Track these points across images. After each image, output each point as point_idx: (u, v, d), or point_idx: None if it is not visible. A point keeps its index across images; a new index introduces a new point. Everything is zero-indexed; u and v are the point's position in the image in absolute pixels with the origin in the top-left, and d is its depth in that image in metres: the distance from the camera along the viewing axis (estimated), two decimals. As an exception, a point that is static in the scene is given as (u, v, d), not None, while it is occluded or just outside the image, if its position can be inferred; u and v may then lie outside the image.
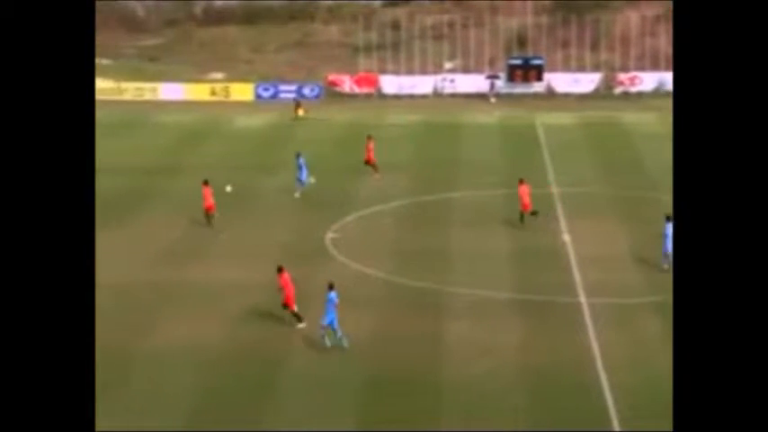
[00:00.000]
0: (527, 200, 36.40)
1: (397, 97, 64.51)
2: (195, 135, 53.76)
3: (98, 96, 63.84)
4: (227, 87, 65.23)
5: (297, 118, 58.55)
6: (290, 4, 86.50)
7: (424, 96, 64.51)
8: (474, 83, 65.05)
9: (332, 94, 64.64)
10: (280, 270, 27.68)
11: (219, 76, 69.25)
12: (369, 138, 44.88)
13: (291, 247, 34.51)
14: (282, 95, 64.70)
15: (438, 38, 68.01)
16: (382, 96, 64.54)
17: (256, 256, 33.43)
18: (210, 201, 36.86)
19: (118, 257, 33.18)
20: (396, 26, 68.60)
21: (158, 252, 33.93)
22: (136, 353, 25.80)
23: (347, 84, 65.22)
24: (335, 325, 25.88)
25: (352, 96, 64.59)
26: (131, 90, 64.60)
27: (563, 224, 36.97)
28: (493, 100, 63.88)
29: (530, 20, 68.00)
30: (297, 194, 40.44)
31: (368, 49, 66.36)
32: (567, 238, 35.36)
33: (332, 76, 65.70)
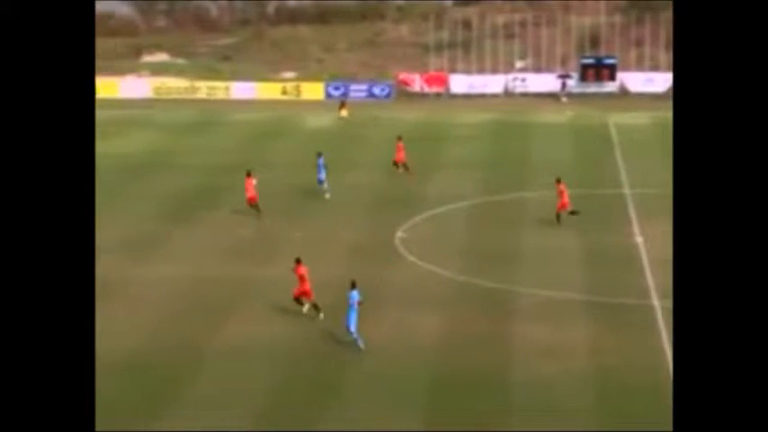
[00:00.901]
0: (565, 199, 36.46)
1: (467, 97, 64.38)
2: (266, 134, 54.36)
3: (173, 95, 65.44)
4: (298, 86, 65.80)
5: (340, 118, 58.69)
6: (361, 4, 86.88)
7: (494, 96, 64.28)
8: (545, 82, 64.62)
9: (402, 93, 64.78)
10: (297, 261, 28.12)
11: (291, 75, 69.86)
12: (399, 138, 44.72)
13: (361, 247, 34.74)
14: (353, 95, 65.02)
15: (509, 37, 67.68)
16: (452, 96, 64.48)
17: (326, 254, 33.73)
18: (252, 192, 37.51)
19: (192, 254, 33.78)
20: (467, 25, 68.43)
21: (231, 249, 34.43)
22: (207, 349, 26.24)
23: (417, 83, 65.28)
24: (348, 322, 25.85)
25: (423, 96, 64.64)
26: (205, 89, 65.57)
27: (635, 226, 36.57)
28: (564, 99, 63.37)
29: (603, 18, 67.28)
30: (327, 195, 40.15)
31: (438, 48, 66.34)
32: (639, 239, 34.98)
33: (402, 76, 65.84)
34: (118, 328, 27.50)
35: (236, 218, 38.11)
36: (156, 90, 65.91)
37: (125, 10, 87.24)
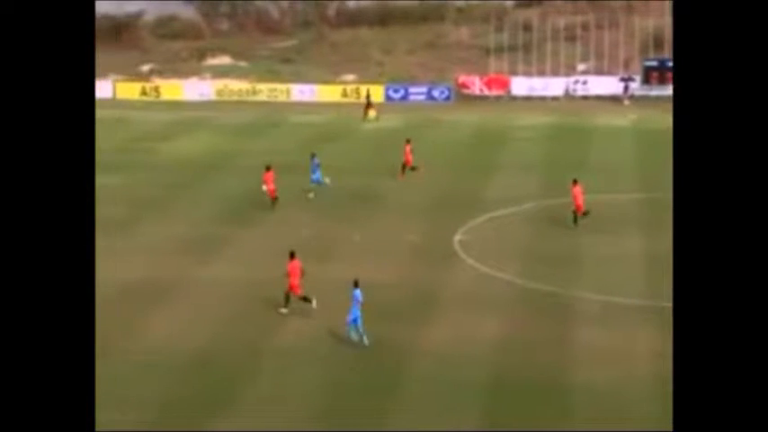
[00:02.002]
0: (580, 201, 36.27)
1: (527, 99, 64.04)
2: (326, 136, 54.60)
3: (235, 98, 66.10)
4: (358, 89, 66.00)
5: (366, 120, 58.52)
6: (422, 6, 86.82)
7: (555, 98, 63.82)
8: (607, 85, 63.99)
9: (462, 95, 64.66)
10: (292, 255, 28.36)
11: (351, 77, 70.13)
12: (407, 141, 44.56)
13: (420, 248, 34.72)
14: (412, 97, 65.08)
15: (571, 39, 67.16)
16: (512, 98, 64.16)
17: (386, 256, 33.79)
18: (272, 185, 38.60)
19: (251, 255, 34.06)
20: (528, 27, 68.05)
21: (289, 250, 34.55)
22: (265, 349, 26.43)
23: (477, 85, 65.10)
24: (359, 322, 26.07)
25: (483, 98, 64.44)
26: (266, 91, 66.17)
27: (699, 230, 35.96)
28: (627, 102, 62.66)
29: (667, 20, 66.40)
30: (311, 195, 40.64)
31: (499, 50, 66.06)
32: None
33: (462, 78, 65.71)
34: (180, 328, 27.84)
35: (295, 219, 38.34)
36: (219, 92, 66.66)
37: (188, 13, 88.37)
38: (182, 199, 41.39)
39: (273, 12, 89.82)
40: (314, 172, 40.84)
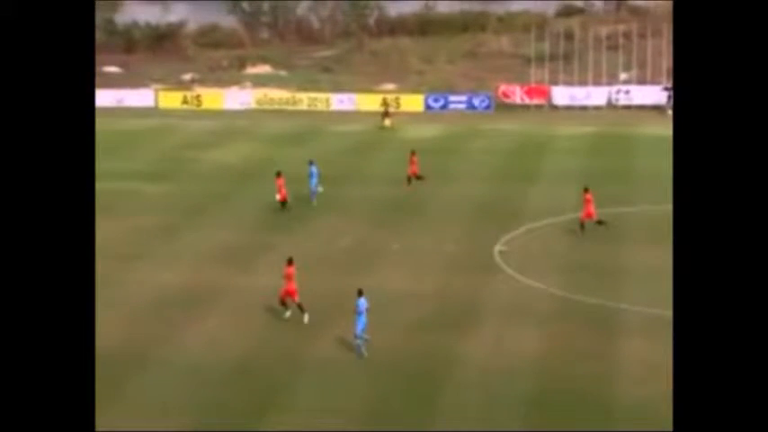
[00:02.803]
0: (590, 209, 36.36)
1: (568, 108, 63.68)
2: (365, 145, 54.68)
3: (275, 106, 66.41)
4: (397, 98, 66.00)
5: (382, 128, 58.52)
6: (462, 15, 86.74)
7: (597, 108, 63.41)
8: (650, 94, 63.45)
9: (502, 105, 64.44)
10: (290, 262, 28.63)
11: (390, 86, 70.17)
12: (412, 153, 44.45)
13: (459, 259, 34.60)
14: (452, 106, 64.97)
15: (613, 48, 66.71)
16: (553, 108, 63.84)
17: (425, 266, 33.71)
18: (284, 191, 39.69)
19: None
20: (569, 36, 67.72)
21: (330, 259, 34.68)
22: (307, 358, 26.46)
23: (518, 95, 64.86)
24: (358, 331, 26.10)
25: (523, 107, 64.19)
26: (306, 100, 66.37)
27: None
28: (670, 112, 62.08)
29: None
30: (314, 202, 41.19)
31: (540, 59, 65.78)
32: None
33: (502, 87, 65.50)
34: (221, 336, 27.96)
35: (335, 228, 38.40)
36: (259, 101, 67.01)
37: (230, 22, 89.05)
38: (223, 207, 41.62)
39: (314, 21, 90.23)
40: (311, 179, 41.44)
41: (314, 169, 41.66)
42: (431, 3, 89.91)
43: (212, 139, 56.22)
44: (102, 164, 49.96)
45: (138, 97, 68.05)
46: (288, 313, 28.69)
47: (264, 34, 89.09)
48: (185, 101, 67.55)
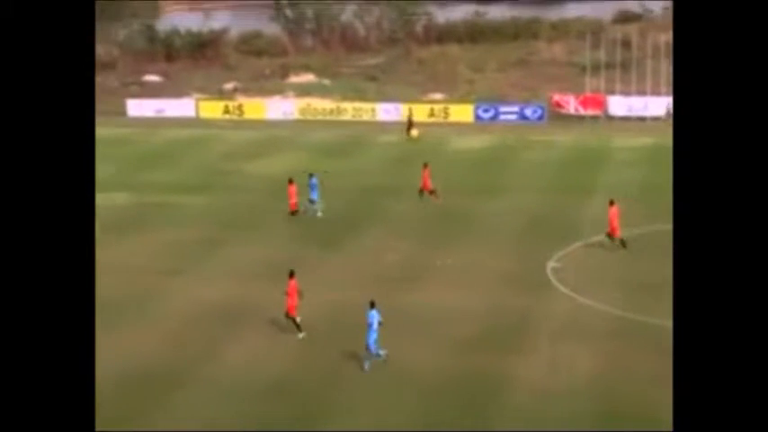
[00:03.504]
0: (616, 223, 36.30)
1: (625, 119, 63.27)
2: (413, 157, 54.68)
3: (318, 117, 66.79)
4: (446, 108, 66.10)
5: (408, 139, 58.74)
6: (513, 21, 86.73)
7: (655, 119, 62.93)
8: (711, 104, 62.80)
9: (555, 115, 64.21)
10: (291, 275, 29.03)
11: (439, 96, 70.28)
12: (425, 165, 44.27)
13: (511, 276, 34.50)
14: (503, 117, 64.87)
15: (672, 56, 66.23)
16: (610, 118, 63.49)
17: (475, 282, 33.66)
18: (295, 199, 41.05)
19: (335, 279, 34.26)
20: (626, 44, 67.34)
21: (375, 274, 34.75)
22: (350, 375, 26.52)
23: (572, 105, 64.61)
24: (369, 343, 26.47)
25: (578, 118, 63.90)
26: (350, 110, 66.64)
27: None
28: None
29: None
30: (319, 213, 41.87)
31: (595, 68, 65.47)
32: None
33: (556, 97, 65.29)
34: (263, 352, 28.14)
35: (381, 243, 38.49)
36: (302, 111, 67.42)
37: (273, 30, 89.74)
38: (265, 221, 41.90)
39: (359, 28, 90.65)
40: (312, 191, 41.99)
41: (314, 181, 42.30)
42: (481, 9, 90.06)
43: (254, 151, 56.66)
44: (141, 176, 50.77)
45: (179, 107, 68.82)
46: (301, 335, 28.97)
47: (308, 42, 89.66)
48: (227, 111, 68.18)
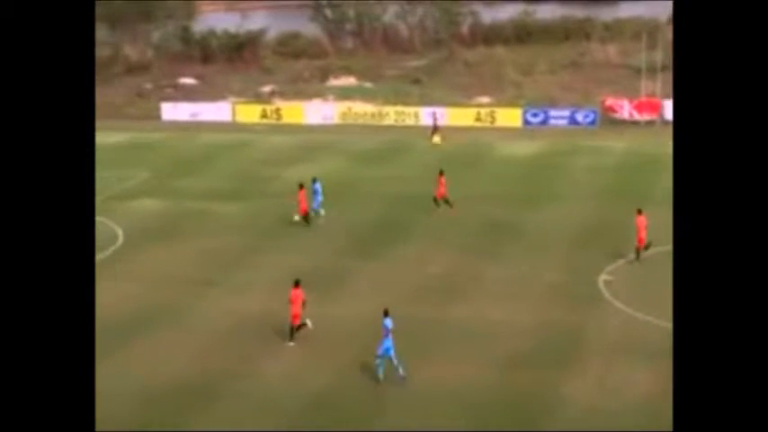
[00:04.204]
0: (643, 234, 36.22)
1: (683, 124, 62.66)
2: (458, 163, 54.61)
3: (359, 121, 66.90)
4: (492, 112, 65.95)
5: (432, 145, 58.89)
6: (564, 21, 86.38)
7: (714, 124, 62.27)
8: (775, 109, 62.11)
9: (608, 120, 63.82)
10: (296, 284, 29.69)
11: (485, 99, 70.14)
12: (441, 173, 44.02)
13: (560, 289, 34.27)
14: (553, 121, 64.59)
15: (733, 58, 65.52)
16: (666, 123, 62.93)
17: (523, 296, 33.47)
18: (305, 204, 41.81)
19: (377, 290, 34.23)
20: (684, 45, 66.72)
21: (416, 287, 34.68)
22: (393, 391, 26.47)
23: (626, 109, 64.16)
24: (391, 353, 26.57)
25: (632, 123, 63.45)
26: (392, 114, 66.70)
27: None
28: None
29: None
30: (320, 221, 42.39)
31: (651, 70, 64.98)
32: None
33: (609, 101, 64.88)
34: (299, 368, 28.15)
35: (424, 253, 38.40)
36: (342, 115, 67.59)
37: (311, 30, 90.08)
38: (303, 229, 42.00)
39: (402, 29, 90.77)
40: (316, 197, 42.50)
41: (318, 187, 42.74)
42: (530, 8, 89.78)
43: (292, 156, 56.88)
44: (176, 182, 51.14)
45: (215, 111, 69.31)
46: (309, 324, 29.82)
47: (349, 43, 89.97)
48: (264, 114, 68.56)
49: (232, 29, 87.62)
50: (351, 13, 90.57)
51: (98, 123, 76.70)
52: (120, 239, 40.90)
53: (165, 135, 64.07)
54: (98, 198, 47.41)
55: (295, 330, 29.68)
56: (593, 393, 26.15)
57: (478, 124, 65.12)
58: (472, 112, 66.28)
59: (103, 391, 26.73)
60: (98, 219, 43.82)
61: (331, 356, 28.84)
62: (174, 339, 30.40)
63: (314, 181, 43.12)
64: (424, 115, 65.89)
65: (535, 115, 65.13)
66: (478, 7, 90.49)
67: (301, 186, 42.14)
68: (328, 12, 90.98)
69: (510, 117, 65.30)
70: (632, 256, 36.81)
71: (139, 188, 50.00)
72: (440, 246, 39.23)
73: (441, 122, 62.15)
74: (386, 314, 27.29)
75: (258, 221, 43.38)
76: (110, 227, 42.60)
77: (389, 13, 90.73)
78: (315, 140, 61.31)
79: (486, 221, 42.55)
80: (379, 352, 26.93)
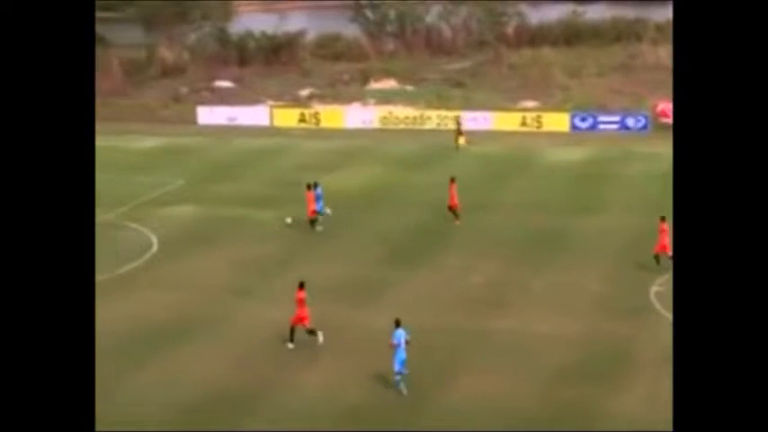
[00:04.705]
0: (666, 240, 35.93)
1: (738, 130, 62.17)
2: (502, 170, 54.58)
3: (400, 125, 67.01)
4: (539, 117, 65.77)
5: (457, 148, 58.95)
6: (614, 22, 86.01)
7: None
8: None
9: (661, 125, 63.38)
10: (301, 286, 30.24)
11: (531, 104, 69.98)
12: (452, 181, 43.65)
13: (609, 300, 34.10)
14: (602, 127, 64.28)
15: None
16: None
17: (571, 307, 33.34)
18: (313, 205, 42.21)
19: (417, 300, 34.26)
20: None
21: (459, 297, 34.66)
22: (433, 404, 26.49)
23: (679, 113, 63.68)
24: (397, 365, 26.72)
25: (685, 128, 62.95)
26: (435, 118, 66.71)
27: None
28: None
29: None
30: (319, 228, 42.75)
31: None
32: None
33: (661, 105, 64.45)
34: (339, 378, 28.22)
35: (467, 262, 38.37)
36: (383, 120, 67.71)
37: (351, 32, 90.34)
38: (341, 237, 42.13)
39: (445, 30, 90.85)
40: (317, 202, 42.77)
41: (319, 191, 43.06)
42: (579, 8, 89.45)
43: (331, 162, 57.08)
44: (211, 187, 51.51)
45: (252, 115, 69.75)
46: (291, 345, 30.23)
47: (390, 45, 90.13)
48: (302, 119, 68.88)
49: (270, 30, 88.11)
50: (392, 13, 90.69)
51: (132, 127, 77.08)
52: (155, 247, 41.26)
53: (200, 139, 64.57)
54: (132, 204, 47.95)
55: (307, 334, 30.29)
56: (642, 408, 25.99)
57: (524, 129, 64.98)
58: (517, 116, 66.13)
59: (141, 400, 27.02)
60: (132, 226, 44.29)
61: (369, 368, 28.87)
62: (210, 349, 30.62)
63: (315, 186, 43.35)
64: (467, 120, 65.79)
65: (583, 120, 64.85)
66: (525, 7, 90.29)
67: (309, 187, 42.71)
68: (369, 12, 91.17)
69: (557, 122, 65.08)
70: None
71: (174, 194, 50.42)
72: (483, 254, 39.17)
73: (487, 127, 62.05)
74: (397, 325, 27.34)
75: (295, 229, 43.56)
76: (144, 234, 42.99)
77: (432, 14, 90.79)
78: (354, 146, 61.49)
79: (531, 229, 42.42)
80: (396, 368, 26.94)
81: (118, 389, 27.74)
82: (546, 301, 34.14)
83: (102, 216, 45.48)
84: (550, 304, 33.84)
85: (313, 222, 42.61)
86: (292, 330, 30.31)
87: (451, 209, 43.55)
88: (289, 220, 43.64)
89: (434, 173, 53.86)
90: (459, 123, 61.61)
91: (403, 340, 27.13)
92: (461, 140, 60.01)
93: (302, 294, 30.25)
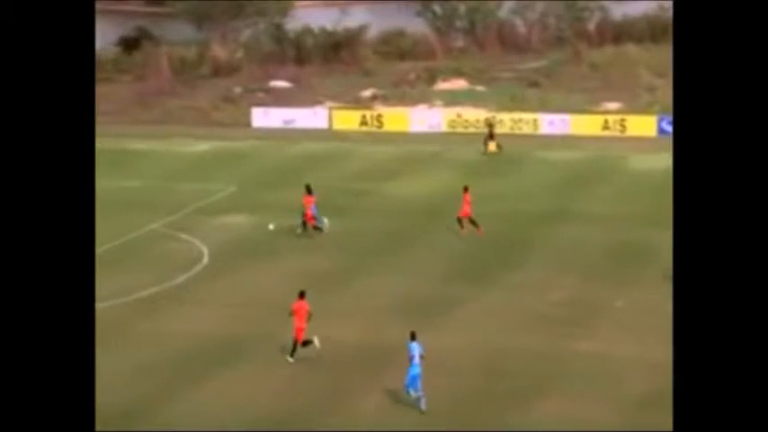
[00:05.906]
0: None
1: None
2: (582, 177, 54.24)
3: (470, 129, 66.87)
4: (623, 120, 65.30)
5: (485, 154, 58.87)
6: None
7: None
8: None
9: (757, 129, 62.59)
10: (301, 295, 30.85)
11: (614, 106, 69.51)
12: (465, 189, 43.28)
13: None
14: (692, 130, 63.59)
15: None
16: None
17: (656, 327, 32.97)
18: (310, 211, 43.16)
19: (489, 320, 34.15)
20: None
21: (535, 315, 34.49)
22: (515, 427, 26.46)
23: (778, 116, 62.85)
24: (408, 380, 26.98)
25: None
26: (508, 122, 66.48)
27: None
28: None
29: None
30: (322, 230, 43.75)
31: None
32: None
33: (758, 107, 63.64)
34: (398, 402, 28.18)
35: (543, 278, 38.16)
36: (451, 123, 67.65)
37: (417, 27, 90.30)
38: (405, 250, 42.12)
39: (519, 26, 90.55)
40: (314, 208, 43.45)
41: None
42: (666, 3, 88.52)
43: (394, 168, 57.16)
44: (266, 195, 51.85)
45: (310, 117, 70.10)
46: (316, 342, 30.79)
47: (459, 42, 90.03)
48: (364, 122, 69.08)
49: (329, 26, 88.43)
50: (462, 8, 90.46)
51: (182, 130, 77.75)
52: (206, 259, 41.60)
53: (255, 143, 65.04)
54: (181, 213, 48.42)
55: (300, 346, 30.61)
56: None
57: (606, 133, 64.53)
58: (599, 119, 65.71)
59: (197, 420, 27.24)
60: (182, 236, 44.72)
61: (433, 390, 28.78)
62: (259, 370, 30.77)
63: (309, 190, 44.00)
64: (544, 123, 65.57)
65: (672, 123, 64.25)
66: (607, 1, 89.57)
67: (308, 190, 43.39)
68: (437, 7, 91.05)
69: (643, 125, 64.55)
70: None
71: (226, 202, 50.82)
72: (562, 270, 38.92)
73: (565, 131, 61.73)
74: (413, 338, 27.44)
75: (356, 240, 43.66)
76: (195, 245, 43.38)
77: (505, 9, 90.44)
78: (419, 151, 61.51)
79: (615, 243, 42.08)
80: (414, 385, 27.06)
81: (162, 408, 28.00)
82: (630, 321, 33.83)
83: (149, 225, 46.01)
84: (635, 324, 33.52)
85: (314, 227, 43.20)
86: (304, 344, 30.79)
87: (462, 218, 43.37)
88: (271, 227, 44.33)
89: (507, 181, 53.68)
90: (491, 125, 61.33)
91: (417, 354, 27.23)
92: (492, 146, 59.69)
93: (302, 304, 30.78)
